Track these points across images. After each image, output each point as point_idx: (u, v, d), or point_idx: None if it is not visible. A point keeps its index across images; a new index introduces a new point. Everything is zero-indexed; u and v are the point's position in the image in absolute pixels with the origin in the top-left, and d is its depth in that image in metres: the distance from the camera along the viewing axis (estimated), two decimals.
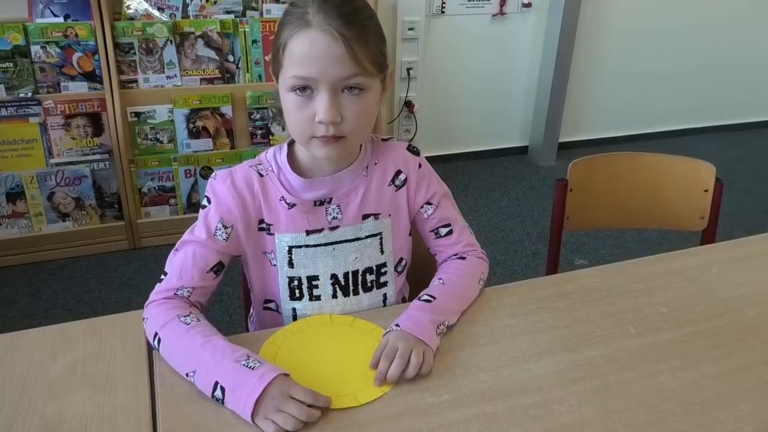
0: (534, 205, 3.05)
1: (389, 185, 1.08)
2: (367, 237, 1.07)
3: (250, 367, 0.86)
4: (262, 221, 1.04)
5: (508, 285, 1.16)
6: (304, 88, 0.91)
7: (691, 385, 0.93)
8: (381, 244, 1.09)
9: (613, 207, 1.60)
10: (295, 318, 1.10)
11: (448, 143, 3.41)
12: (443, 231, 1.13)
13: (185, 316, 0.95)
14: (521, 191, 3.19)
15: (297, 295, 1.08)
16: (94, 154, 2.48)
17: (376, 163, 1.07)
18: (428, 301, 1.01)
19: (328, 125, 0.92)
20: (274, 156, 1.05)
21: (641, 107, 3.72)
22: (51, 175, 2.44)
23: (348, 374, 0.93)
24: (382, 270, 1.10)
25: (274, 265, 1.07)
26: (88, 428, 0.84)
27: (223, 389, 0.85)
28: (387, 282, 1.11)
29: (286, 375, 0.86)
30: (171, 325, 0.94)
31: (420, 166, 1.10)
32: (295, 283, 1.07)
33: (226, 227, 1.02)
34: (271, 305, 1.12)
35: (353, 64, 0.89)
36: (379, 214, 1.08)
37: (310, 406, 0.84)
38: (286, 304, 1.09)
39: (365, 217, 1.07)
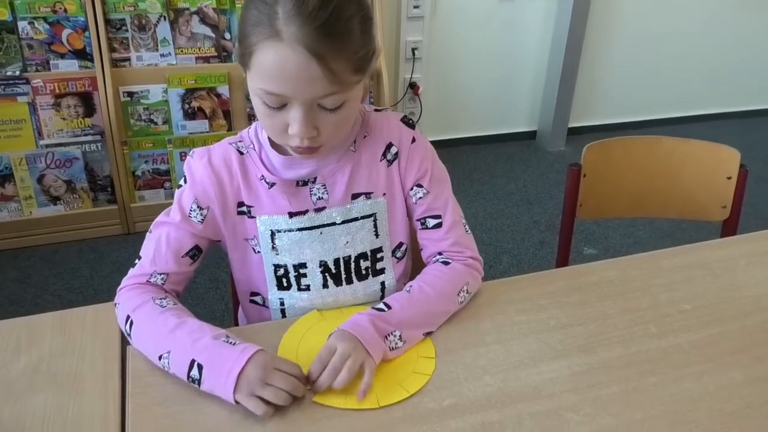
0: (542, 192, 2.95)
1: (380, 160, 0.97)
2: (358, 219, 0.97)
3: (231, 344, 0.81)
4: (241, 204, 0.95)
5: (518, 278, 1.07)
6: (275, 100, 0.80)
7: (719, 392, 0.84)
8: (375, 226, 0.99)
9: (629, 194, 1.50)
10: (283, 311, 1.01)
11: (454, 127, 3.30)
12: (431, 222, 1.00)
13: (160, 299, 0.89)
14: (529, 177, 3.09)
15: (284, 284, 0.99)
16: (85, 135, 2.39)
17: (365, 136, 0.96)
18: (381, 309, 0.90)
19: (302, 140, 0.83)
20: (255, 132, 0.95)
21: (655, 92, 3.60)
22: (41, 157, 2.35)
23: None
24: (378, 255, 1.01)
25: (258, 252, 0.98)
26: None
27: (200, 367, 0.79)
28: (384, 269, 1.02)
29: (266, 351, 0.81)
30: (144, 308, 0.87)
31: (414, 140, 0.98)
32: (281, 271, 0.98)
33: (201, 208, 0.93)
34: (257, 299, 1.03)
35: (330, 83, 0.77)
36: (371, 193, 0.98)
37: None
38: (273, 295, 1.00)
39: (355, 196, 0.97)
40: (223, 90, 2.47)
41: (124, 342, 0.91)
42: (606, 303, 1.00)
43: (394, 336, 0.88)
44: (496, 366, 0.87)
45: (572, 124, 3.40)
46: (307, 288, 0.99)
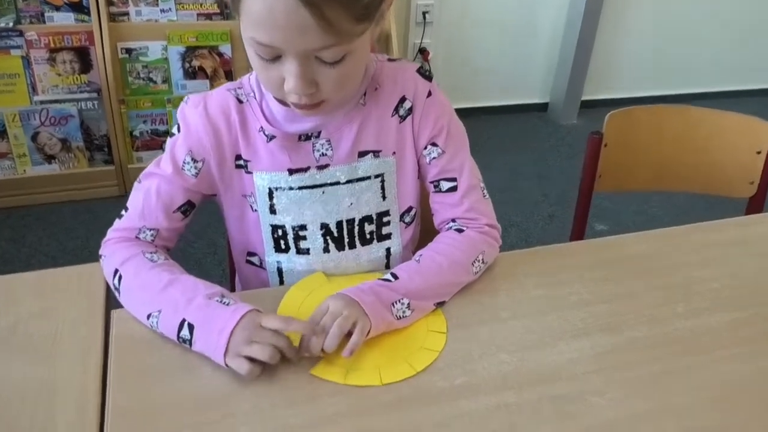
0: (552, 166, 2.87)
1: (392, 115, 0.89)
2: (364, 179, 0.90)
3: (224, 304, 0.75)
4: (239, 157, 0.87)
5: (536, 249, 0.99)
6: (267, 52, 0.71)
7: (757, 377, 0.76)
8: (383, 188, 0.91)
9: (651, 166, 1.42)
10: (281, 275, 0.94)
11: (464, 96, 3.20)
12: (445, 185, 0.92)
13: (151, 253, 0.84)
14: (539, 151, 3.01)
15: (282, 247, 0.92)
16: (81, 92, 2.30)
17: (376, 89, 0.88)
18: (387, 280, 0.83)
19: (301, 97, 0.74)
20: (257, 79, 0.87)
21: (677, 63, 3.46)
22: (35, 113, 2.26)
23: (376, 347, 0.78)
24: (385, 219, 0.93)
25: (255, 210, 0.90)
26: (22, 403, 0.69)
27: (191, 327, 0.74)
28: (390, 234, 0.94)
29: (258, 310, 0.76)
30: (134, 261, 0.82)
31: (430, 94, 0.89)
32: (279, 232, 0.91)
33: (195, 161, 0.86)
34: (254, 259, 0.96)
35: (325, 34, 0.67)
36: (380, 151, 0.89)
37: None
38: (270, 257, 0.93)
39: (362, 154, 0.89)
40: (225, 49, 2.37)
41: (109, 306, 0.84)
42: (632, 279, 0.92)
43: (402, 304, 0.80)
44: (512, 343, 0.80)
45: (586, 97, 3.30)
46: (307, 252, 0.92)
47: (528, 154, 2.96)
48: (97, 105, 2.32)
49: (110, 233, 0.87)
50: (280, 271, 0.94)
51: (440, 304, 0.85)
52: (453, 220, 0.93)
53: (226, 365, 0.72)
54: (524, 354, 0.78)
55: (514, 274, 0.93)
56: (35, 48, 2.19)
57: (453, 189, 0.92)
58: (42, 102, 2.26)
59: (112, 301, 0.85)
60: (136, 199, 0.87)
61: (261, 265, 0.95)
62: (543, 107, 3.37)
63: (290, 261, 0.92)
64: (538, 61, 3.25)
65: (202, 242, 2.17)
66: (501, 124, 3.22)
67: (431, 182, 0.93)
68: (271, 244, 0.92)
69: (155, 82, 2.36)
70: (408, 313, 0.81)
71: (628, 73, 3.42)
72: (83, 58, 2.26)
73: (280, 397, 0.71)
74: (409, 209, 0.95)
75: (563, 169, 2.84)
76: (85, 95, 2.30)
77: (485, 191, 0.94)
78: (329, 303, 0.77)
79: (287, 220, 0.90)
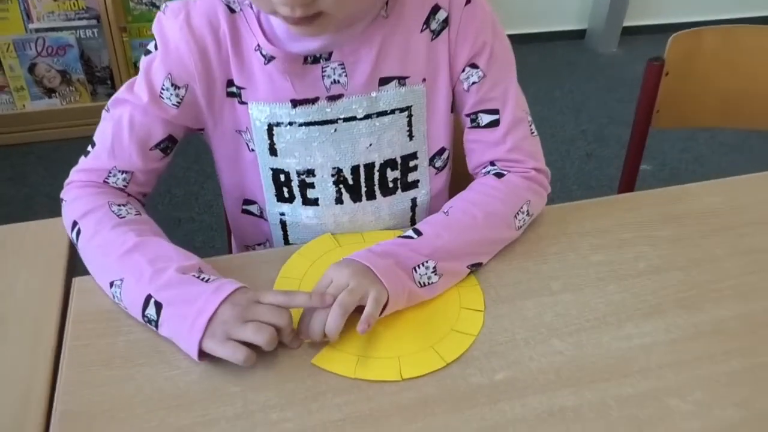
0: (590, 99, 2.64)
1: (422, 31, 0.71)
2: (387, 113, 0.72)
3: (202, 279, 0.61)
4: (230, 83, 0.71)
5: (591, 201, 0.82)
6: None
7: None
8: (410, 124, 0.74)
9: (718, 99, 1.22)
10: (284, 229, 0.78)
11: None
12: (484, 118, 0.75)
13: (119, 205, 0.69)
14: (576, 82, 2.77)
15: (286, 195, 0.76)
16: (79, 19, 2.12)
17: None
18: (408, 237, 0.67)
19: (293, 7, 0.57)
20: None
21: None
22: (30, 42, 2.09)
23: (394, 330, 0.63)
24: (411, 164, 0.76)
25: (252, 150, 0.74)
26: None
27: (158, 306, 0.60)
28: (418, 181, 0.78)
29: (247, 288, 0.61)
30: (97, 214, 0.67)
31: (469, 1, 0.71)
32: (282, 178, 0.75)
33: (176, 87, 0.69)
34: (253, 208, 0.80)
35: None
36: (407, 77, 0.72)
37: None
38: (272, 207, 0.78)
39: (384, 81, 0.71)
40: None
41: (72, 271, 0.69)
42: (712, 239, 0.75)
43: (426, 268, 0.64)
44: (567, 324, 0.64)
45: (628, 23, 3.03)
46: (316, 202, 0.76)
47: (564, 86, 2.73)
48: (97, 33, 2.14)
49: (74, 174, 0.73)
50: (283, 224, 0.78)
51: (475, 267, 0.69)
52: (492, 163, 0.76)
53: (201, 356, 0.58)
54: (582, 338, 0.62)
55: (564, 232, 0.76)
56: None
57: (494, 123, 0.74)
58: (37, 30, 2.09)
59: (77, 266, 0.70)
60: (104, 132, 0.71)
61: (261, 215, 0.80)
62: (580, 34, 3.11)
63: (296, 212, 0.77)
64: None
65: (203, 199, 2.02)
66: (535, 53, 2.98)
67: (468, 115, 0.76)
68: (273, 191, 0.76)
69: (158, 8, 2.16)
70: (434, 279, 0.65)
71: None
72: None
73: (273, 396, 0.56)
74: (441, 151, 0.78)
75: (602, 102, 2.62)
76: (84, 22, 2.12)
77: (533, 127, 0.77)
78: (331, 273, 0.61)
79: (291, 164, 0.73)
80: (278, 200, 0.77)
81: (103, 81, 2.23)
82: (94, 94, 2.24)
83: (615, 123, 2.47)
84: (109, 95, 2.33)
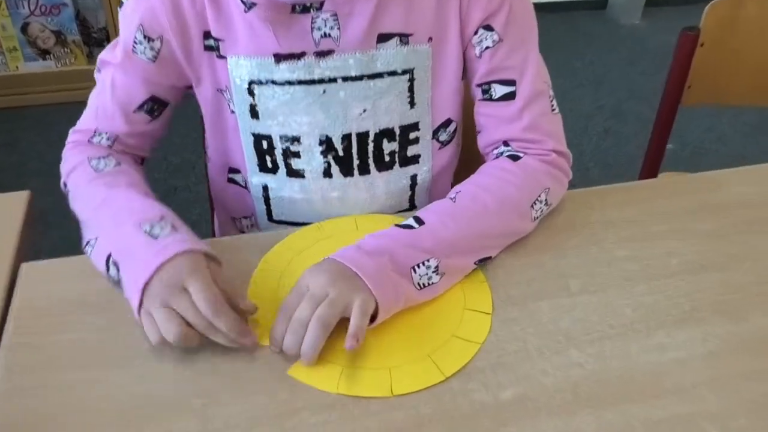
0: (610, 72, 2.53)
1: None
2: (385, 74, 0.63)
3: (152, 236, 0.55)
4: (207, 35, 0.63)
5: (615, 186, 0.72)
6: None
7: None
8: (411, 90, 0.65)
9: (758, 74, 1.11)
10: (267, 203, 0.70)
11: None
12: (498, 90, 0.65)
13: (98, 158, 0.65)
14: (596, 54, 2.65)
15: (269, 165, 0.68)
16: None
17: None
18: (408, 227, 0.58)
19: None
20: None
21: None
22: (22, 0, 1.99)
23: (384, 336, 0.54)
24: (412, 135, 0.67)
25: (234, 112, 0.66)
26: None
27: (117, 265, 0.55)
28: (419, 156, 0.69)
29: (204, 254, 0.54)
30: (77, 172, 0.65)
31: None
32: (264, 145, 0.67)
33: (150, 39, 0.62)
34: (237, 177, 0.72)
35: None
36: (410, 35, 0.62)
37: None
38: (255, 177, 0.70)
39: (383, 38, 0.62)
40: None
41: (21, 255, 0.61)
42: (753, 235, 0.66)
43: (427, 267, 0.55)
44: (587, 331, 0.55)
45: None
46: (301, 174, 0.68)
47: (584, 58, 2.62)
48: None
49: (70, 134, 0.69)
50: (267, 198, 0.70)
51: (483, 261, 0.60)
52: (506, 143, 0.66)
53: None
54: (604, 348, 0.53)
55: (586, 221, 0.66)
56: None
57: (509, 96, 0.65)
58: None
59: (34, 248, 0.62)
60: (93, 94, 0.68)
61: (245, 186, 0.72)
62: (602, 4, 2.98)
63: (280, 184, 0.69)
64: None
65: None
66: (554, 23, 2.86)
67: (479, 85, 0.66)
68: (255, 160, 0.68)
69: None
70: (436, 279, 0.56)
71: None
72: None
73: (239, 412, 0.48)
74: (447, 123, 0.69)
75: (622, 75, 2.50)
76: None
77: (554, 103, 0.67)
78: (308, 279, 0.52)
79: (274, 129, 0.65)
80: (261, 170, 0.69)
81: (99, 43, 2.14)
82: (90, 57, 2.15)
83: (635, 98, 2.36)
84: None
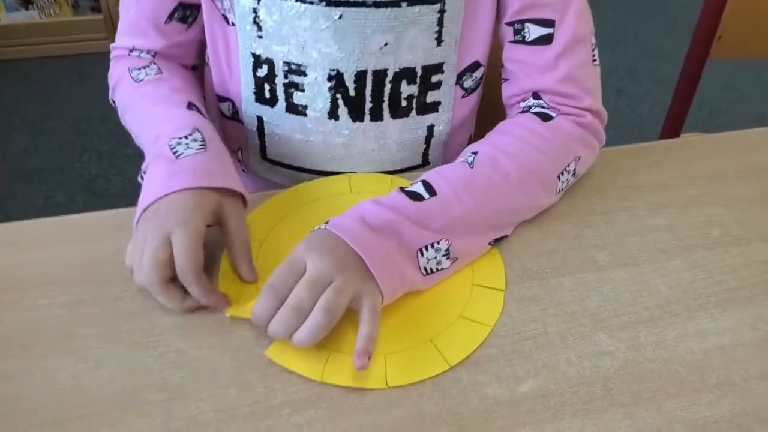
0: (626, 28, 2.42)
1: None
2: (414, 3, 0.54)
3: (175, 154, 0.50)
4: None
5: (646, 145, 0.64)
6: None
7: None
8: (440, 23, 0.55)
9: None
10: (261, 136, 0.62)
11: None
12: (533, 31, 0.56)
13: (139, 69, 0.60)
14: (611, 7, 2.52)
15: (267, 95, 0.59)
16: None
17: None
18: (416, 196, 0.50)
19: None
20: None
21: None
22: None
23: (382, 316, 0.45)
24: (434, 79, 0.58)
25: (233, 24, 0.57)
26: None
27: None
28: (439, 104, 0.60)
29: (216, 191, 0.49)
30: (121, 86, 0.61)
31: None
32: (265, 70, 0.58)
33: None
34: (224, 106, 0.64)
35: None
36: None
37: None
38: (250, 107, 0.61)
39: None
40: None
41: None
42: None
43: (437, 250, 0.47)
44: (617, 312, 0.47)
45: None
46: (303, 111, 0.59)
47: (597, 12, 2.48)
48: None
49: (111, 49, 0.64)
50: (261, 131, 0.62)
51: (499, 240, 0.52)
52: (536, 95, 0.58)
53: None
54: (640, 334, 0.46)
55: (612, 184, 0.58)
56: None
57: (545, 39, 0.56)
58: None
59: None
60: (121, 8, 0.62)
61: (237, 118, 0.63)
62: None
63: (277, 119, 0.60)
64: None
65: None
66: None
67: (511, 23, 0.57)
68: (252, 87, 0.60)
69: None
70: (446, 264, 0.48)
71: None
72: None
73: (206, 409, 0.40)
74: (475, 67, 0.60)
75: (638, 33, 2.39)
76: None
77: (596, 53, 0.58)
78: (302, 255, 0.44)
79: (277, 53, 0.56)
80: (257, 100, 0.60)
81: None
82: (76, 8, 2.05)
83: (649, 56, 2.25)
84: (93, 9, 2.14)
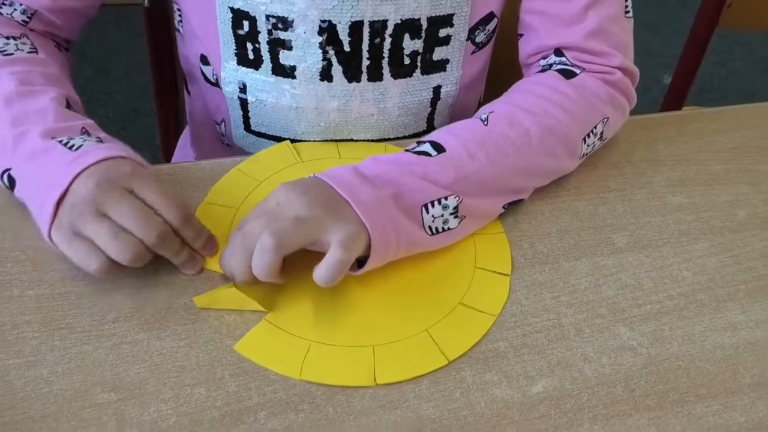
0: None
1: None
2: None
3: (70, 148, 0.42)
4: None
5: (664, 115, 0.59)
6: None
7: None
8: None
9: None
10: (245, 105, 0.55)
11: None
12: None
13: (6, 38, 0.49)
14: None
15: (250, 56, 0.52)
16: None
17: None
18: (423, 153, 0.44)
19: None
20: None
21: None
22: None
23: (368, 301, 0.40)
24: (441, 33, 0.51)
25: None
26: None
27: (11, 181, 0.44)
28: (447, 62, 0.53)
29: (135, 162, 0.43)
30: None
31: None
32: (246, 27, 0.50)
33: None
34: (207, 71, 0.56)
35: None
36: None
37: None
38: (230, 73, 0.53)
39: None
40: None
41: None
42: None
43: (444, 207, 0.42)
44: (638, 302, 0.42)
45: None
46: (291, 73, 0.51)
47: None
48: None
49: None
50: (244, 102, 0.54)
51: (513, 204, 0.46)
52: (558, 51, 0.51)
53: (53, 244, 0.40)
54: (664, 327, 0.41)
55: (629, 158, 0.53)
56: None
57: None
58: None
59: None
60: None
61: (215, 82, 0.56)
62: None
63: (262, 84, 0.53)
64: None
65: None
66: None
67: None
68: (232, 47, 0.52)
69: None
70: (454, 223, 0.43)
71: None
72: None
73: (167, 413, 0.34)
74: (488, 19, 0.53)
75: (637, 4, 2.32)
76: None
77: (629, 4, 0.52)
78: (278, 195, 0.40)
79: (259, 4, 0.48)
80: (239, 62, 0.52)
81: None
82: None
83: (638, 26, 2.20)
84: None
